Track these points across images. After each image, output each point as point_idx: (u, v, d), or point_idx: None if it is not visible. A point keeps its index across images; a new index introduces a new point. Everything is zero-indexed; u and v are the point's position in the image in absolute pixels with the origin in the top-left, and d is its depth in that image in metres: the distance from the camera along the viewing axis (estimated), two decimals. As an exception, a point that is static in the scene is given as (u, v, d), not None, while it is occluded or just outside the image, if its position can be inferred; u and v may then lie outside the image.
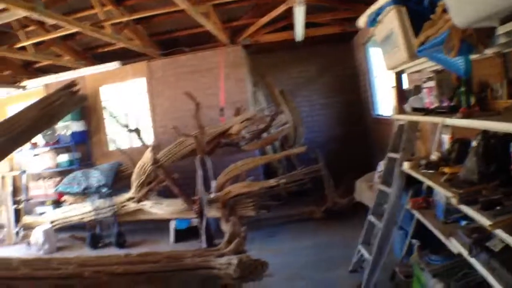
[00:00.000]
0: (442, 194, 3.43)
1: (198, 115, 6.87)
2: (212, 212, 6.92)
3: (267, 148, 9.12)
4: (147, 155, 7.13)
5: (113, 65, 9.33)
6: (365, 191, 6.60)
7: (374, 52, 8.68)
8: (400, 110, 4.59)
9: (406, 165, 4.28)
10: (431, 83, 4.17)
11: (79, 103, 2.95)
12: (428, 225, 3.73)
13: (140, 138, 7.19)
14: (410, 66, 4.02)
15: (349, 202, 7.41)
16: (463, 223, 3.34)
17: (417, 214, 4.13)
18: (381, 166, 6.38)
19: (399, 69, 4.37)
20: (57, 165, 9.65)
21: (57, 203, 9.31)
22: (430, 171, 3.77)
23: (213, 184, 6.78)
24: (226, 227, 6.65)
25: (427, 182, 3.63)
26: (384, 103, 8.53)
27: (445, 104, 3.79)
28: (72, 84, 3.02)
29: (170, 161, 7.32)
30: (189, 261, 3.82)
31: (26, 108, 2.98)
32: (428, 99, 4.23)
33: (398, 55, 3.76)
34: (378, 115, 8.85)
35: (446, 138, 4.26)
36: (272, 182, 6.57)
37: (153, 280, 3.75)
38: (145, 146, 7.24)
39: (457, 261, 3.58)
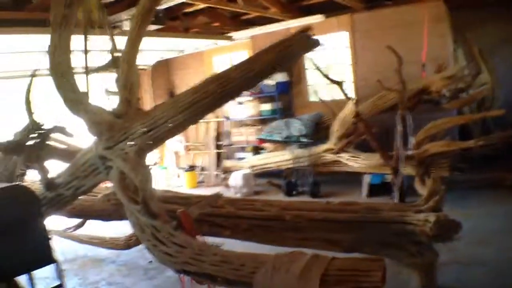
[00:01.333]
0: None
1: (400, 70, 6.80)
2: (407, 170, 6.89)
3: (464, 109, 8.67)
4: (349, 107, 7.33)
5: (318, 18, 9.57)
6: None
7: None
8: None
9: None
10: None
11: (312, 47, 3.20)
12: None
13: (343, 91, 7.37)
14: None
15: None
16: None
17: None
18: None
19: None
20: (260, 114, 10.29)
21: (257, 150, 10.05)
22: None
23: (412, 141, 6.74)
24: (419, 186, 6.62)
25: None
26: None
27: None
28: (307, 28, 3.27)
29: (370, 115, 7.43)
30: (387, 214, 3.93)
31: (264, 50, 3.33)
32: None
33: None
34: None
35: None
36: (470, 143, 6.31)
37: (350, 229, 3.97)
38: (346, 99, 7.42)
39: None
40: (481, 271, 4.55)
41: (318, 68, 7.78)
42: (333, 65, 9.94)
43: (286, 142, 8.60)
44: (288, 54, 3.15)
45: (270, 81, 9.83)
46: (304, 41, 3.14)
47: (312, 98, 10.07)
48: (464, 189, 7.23)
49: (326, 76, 7.65)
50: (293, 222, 4.14)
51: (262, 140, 9.32)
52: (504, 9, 9.60)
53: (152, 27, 8.02)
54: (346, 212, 4.03)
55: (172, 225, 3.19)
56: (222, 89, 3.35)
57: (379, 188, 7.58)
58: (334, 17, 9.63)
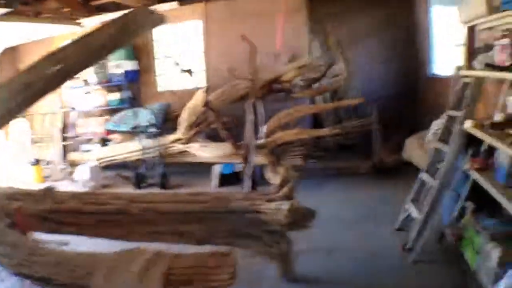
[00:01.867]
0: (507, 156, 3.34)
1: (253, 59, 6.81)
2: (259, 159, 6.91)
3: (316, 99, 9.03)
4: (199, 96, 7.18)
5: (172, 5, 9.31)
6: (415, 149, 6.49)
7: (437, 7, 8.32)
8: (469, 66, 4.43)
9: (468, 124, 4.16)
10: (506, 41, 3.99)
11: (158, 23, 2.95)
12: (488, 187, 3.63)
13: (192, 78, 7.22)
14: (487, 20, 3.87)
15: (397, 161, 7.31)
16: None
17: (475, 175, 4.03)
18: (436, 125, 6.25)
19: (473, 23, 4.22)
20: (107, 104, 9.79)
21: (105, 141, 9.52)
22: (495, 132, 3.65)
23: (263, 129, 6.79)
24: (271, 175, 6.69)
25: (492, 142, 3.52)
26: (441, 62, 8.24)
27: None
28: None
29: (221, 104, 7.36)
30: (237, 204, 3.82)
31: (104, 24, 3.01)
32: (500, 56, 4.07)
33: (476, 7, 3.62)
34: (434, 74, 8.57)
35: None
36: (323, 131, 6.57)
37: (201, 220, 3.81)
38: (196, 88, 7.28)
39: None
40: (341, 258, 4.64)
41: (168, 56, 7.51)
42: (186, 54, 9.71)
43: (134, 133, 8.24)
44: (130, 29, 2.87)
45: (118, 70, 9.36)
46: (147, 16, 2.89)
47: (162, 88, 9.79)
48: (320, 177, 7.44)
49: (176, 64, 7.42)
50: (141, 215, 3.88)
51: (109, 131, 8.85)
52: (365, 1, 10.11)
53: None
54: (195, 202, 3.86)
55: (5, 222, 2.77)
56: (58, 67, 2.95)
57: (230, 178, 7.52)
58: (189, 4, 9.42)
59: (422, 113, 9.24)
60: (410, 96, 9.90)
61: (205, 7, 9.36)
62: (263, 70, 7.41)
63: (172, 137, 8.02)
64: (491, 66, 4.01)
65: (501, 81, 4.18)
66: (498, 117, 3.97)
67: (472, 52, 4.41)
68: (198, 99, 7.24)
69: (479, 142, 4.06)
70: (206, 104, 6.86)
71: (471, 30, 4.39)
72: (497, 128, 3.69)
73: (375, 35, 10.38)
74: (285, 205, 3.53)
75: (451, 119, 4.67)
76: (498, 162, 3.71)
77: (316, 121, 9.10)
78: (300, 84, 7.35)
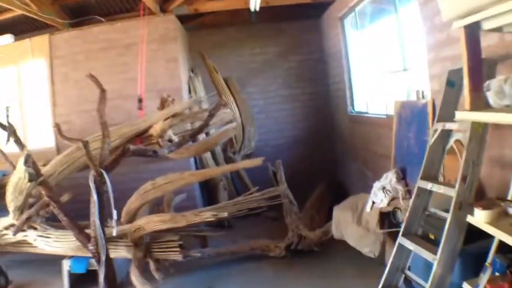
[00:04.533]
0: None
1: (101, 108, 4.57)
2: (120, 252, 4.74)
3: (205, 156, 6.84)
4: (20, 166, 4.69)
5: (6, 39, 6.94)
6: (349, 225, 4.44)
7: (353, 29, 6.57)
8: (475, 100, 2.31)
9: (481, 215, 2.12)
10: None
11: None
12: None
13: (15, 139, 4.81)
14: (497, 13, 1.89)
15: (322, 237, 5.18)
16: None
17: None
18: (377, 188, 4.28)
19: (470, 20, 2.19)
20: None
21: None
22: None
23: (115, 214, 4.40)
24: (135, 276, 4.44)
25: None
26: (364, 96, 6.46)
27: None
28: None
29: (60, 176, 4.92)
30: None
31: None
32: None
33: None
34: (358, 112, 6.73)
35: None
36: (206, 216, 4.22)
37: None
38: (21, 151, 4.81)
39: None
40: None
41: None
42: (23, 103, 7.19)
43: None
44: None
45: None
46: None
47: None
48: (216, 266, 5.29)
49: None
50: None
51: None
52: (262, 29, 8.41)
53: None
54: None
55: None
56: None
57: (85, 278, 5.12)
58: (28, 38, 7.00)
59: (345, 161, 7.49)
60: (330, 140, 8.32)
61: (48, 41, 6.92)
62: (124, 122, 5.30)
63: (4, 221, 5.40)
64: None
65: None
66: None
67: (477, 74, 2.28)
68: (21, 170, 4.73)
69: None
70: (33, 177, 4.39)
71: (472, 32, 2.29)
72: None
73: (276, 67, 8.54)
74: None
75: (424, 195, 2.66)
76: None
77: (208, 184, 6.93)
78: (174, 140, 5.06)
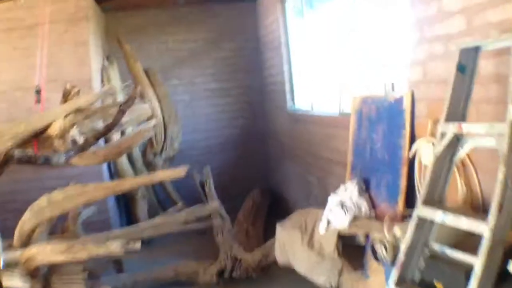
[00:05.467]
0: None
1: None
2: (15, 282, 3.53)
3: (120, 160, 5.79)
4: None
5: None
6: (298, 248, 3.56)
7: (295, 13, 5.74)
8: None
9: None
10: None
11: None
12: None
13: None
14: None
15: (262, 260, 4.26)
16: None
17: None
18: (334, 204, 3.42)
19: None
20: None
21: None
22: None
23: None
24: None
25: None
26: (310, 91, 5.64)
27: None
28: None
29: None
30: None
31: None
32: None
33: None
34: (300, 109, 5.90)
35: None
36: (113, 247, 3.16)
37: None
38: None
39: None
40: None
41: None
42: None
43: None
44: None
45: None
46: None
47: None
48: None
49: None
50: None
51: None
52: (190, 13, 7.40)
53: None
54: None
55: None
56: None
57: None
58: None
59: (282, 166, 6.85)
60: (263, 141, 7.59)
61: None
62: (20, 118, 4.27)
63: None
64: None
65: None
66: None
67: None
68: None
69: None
70: None
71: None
72: None
73: (205, 57, 7.55)
74: None
75: (426, 226, 1.86)
76: None
77: (124, 194, 5.87)
78: (79, 141, 3.94)
